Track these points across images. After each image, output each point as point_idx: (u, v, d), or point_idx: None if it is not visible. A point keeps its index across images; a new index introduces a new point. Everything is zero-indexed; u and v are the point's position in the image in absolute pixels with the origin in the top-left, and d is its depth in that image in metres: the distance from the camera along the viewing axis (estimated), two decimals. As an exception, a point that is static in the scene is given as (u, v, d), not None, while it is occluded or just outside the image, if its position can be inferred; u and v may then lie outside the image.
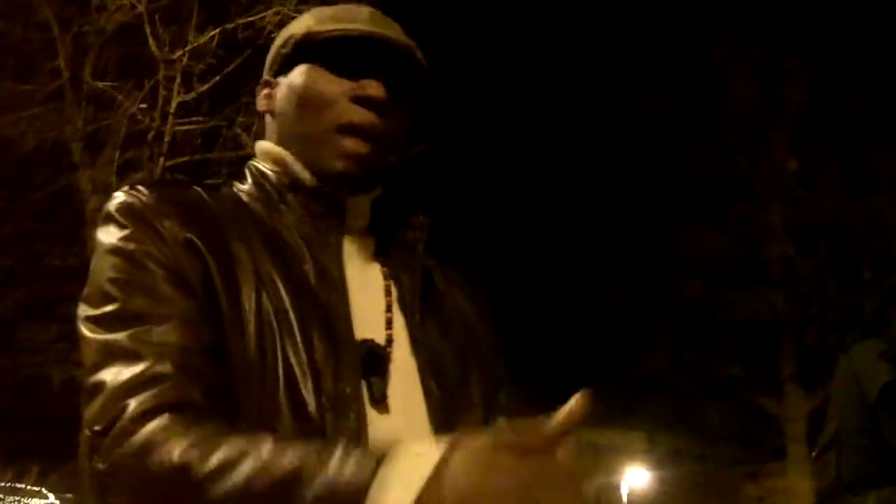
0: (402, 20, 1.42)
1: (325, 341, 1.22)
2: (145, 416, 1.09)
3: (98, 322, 1.19)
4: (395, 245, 1.39)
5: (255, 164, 1.40)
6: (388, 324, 1.31)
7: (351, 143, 1.32)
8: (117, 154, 12.28)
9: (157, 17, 11.90)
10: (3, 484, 22.12)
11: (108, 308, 1.18)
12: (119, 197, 1.28)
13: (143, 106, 12.04)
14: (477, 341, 1.44)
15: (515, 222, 21.22)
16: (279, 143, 1.39)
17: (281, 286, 1.23)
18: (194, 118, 12.21)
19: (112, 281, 1.20)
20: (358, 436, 1.18)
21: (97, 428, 1.12)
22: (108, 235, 1.24)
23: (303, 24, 1.40)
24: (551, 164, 21.10)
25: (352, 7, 1.41)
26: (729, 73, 18.18)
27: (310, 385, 1.19)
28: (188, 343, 1.16)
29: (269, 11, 11.99)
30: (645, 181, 19.25)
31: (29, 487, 22.79)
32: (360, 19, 1.37)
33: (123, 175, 12.30)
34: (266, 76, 1.44)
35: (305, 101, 1.35)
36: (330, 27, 1.35)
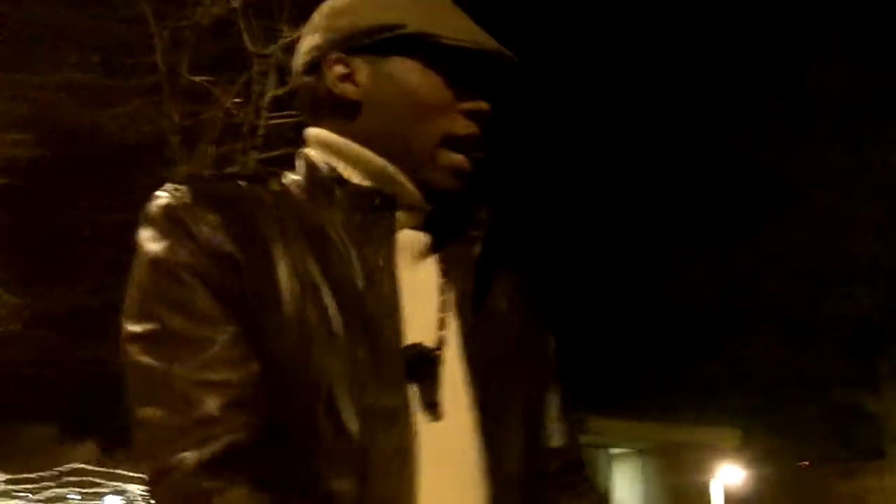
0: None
1: (368, 350, 1.18)
2: (198, 472, 1.09)
3: (140, 341, 1.17)
4: (452, 241, 1.33)
5: (309, 154, 1.33)
6: (441, 324, 1.26)
7: (459, 160, 1.29)
8: (212, 148, 12.56)
9: (250, 11, 12.20)
10: (103, 469, 22.77)
11: (149, 326, 1.16)
12: (161, 198, 1.23)
13: (238, 100, 12.30)
14: (531, 343, 1.41)
15: (611, 217, 21.03)
16: (366, 139, 1.28)
17: (324, 291, 1.19)
18: (287, 112, 12.43)
19: (153, 296, 1.18)
20: (403, 451, 1.16)
21: (150, 472, 1.13)
22: (149, 241, 1.21)
23: (411, 14, 1.29)
24: (647, 159, 20.87)
25: (452, 4, 1.35)
26: (818, 63, 17.84)
27: (350, 400, 1.15)
28: (232, 372, 1.14)
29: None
30: (742, 176, 19.01)
31: (128, 473, 23.39)
32: (470, 25, 1.31)
33: (218, 168, 12.62)
34: (336, 52, 1.30)
35: (417, 103, 1.27)
36: (458, 36, 1.27)
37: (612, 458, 30.94)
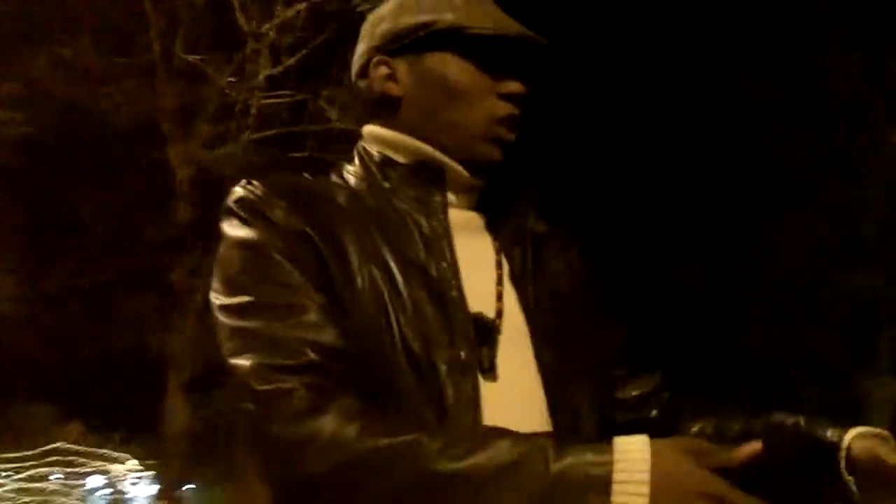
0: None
1: (437, 313, 1.29)
2: (320, 395, 1.19)
3: (235, 311, 1.27)
4: (504, 217, 1.44)
5: (364, 146, 1.45)
6: (499, 297, 1.36)
7: (505, 133, 1.40)
8: (206, 128, 12.55)
9: (245, -10, 12.14)
10: (86, 449, 22.74)
11: (244, 298, 1.27)
12: (237, 192, 1.35)
13: (232, 79, 12.30)
14: (591, 307, 1.49)
15: (612, 204, 21.00)
16: (413, 130, 1.41)
17: (392, 262, 1.30)
18: (281, 92, 12.44)
19: (243, 272, 1.29)
20: (476, 402, 1.27)
21: (255, 398, 1.21)
22: (233, 229, 1.33)
23: (442, 11, 1.41)
24: (646, 145, 20.84)
25: (485, 2, 1.46)
26: (829, 47, 17.83)
27: (428, 355, 1.26)
28: (324, 334, 1.24)
29: (358, -15, 12.11)
30: (742, 159, 19.00)
31: (112, 452, 23.36)
32: (499, 16, 1.43)
33: (211, 148, 12.62)
34: (379, 55, 1.42)
35: (458, 93, 1.39)
36: (485, 25, 1.39)
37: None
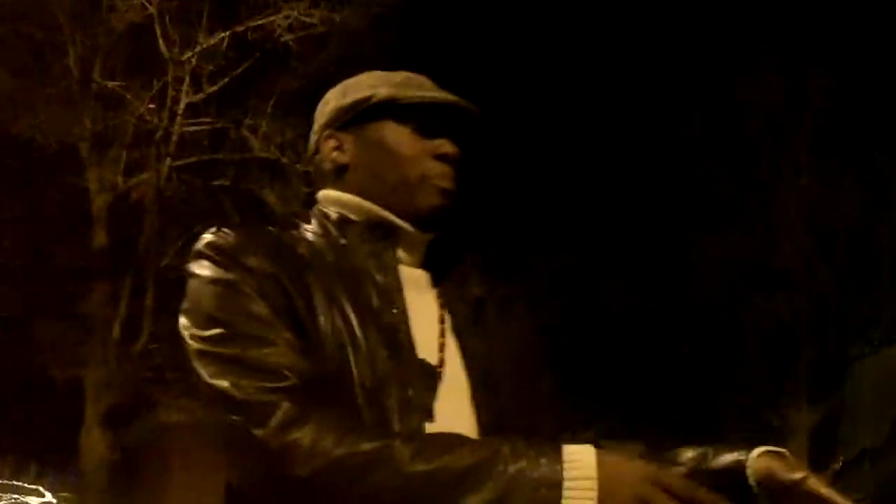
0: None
1: (389, 356, 1.40)
2: (302, 409, 1.27)
3: (212, 341, 1.35)
4: (447, 277, 1.58)
5: (321, 208, 1.57)
6: (441, 347, 1.48)
7: (442, 183, 1.52)
8: (124, 154, 12.35)
9: (167, 17, 12.02)
10: (0, 481, 22.13)
11: (218, 330, 1.35)
12: (208, 238, 1.43)
13: (152, 106, 12.17)
14: (521, 362, 1.64)
15: (535, 225, 21.07)
16: (361, 192, 1.54)
17: (349, 308, 1.41)
18: (202, 119, 12.32)
19: (218, 308, 1.37)
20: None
21: (243, 433, 1.28)
22: (204, 269, 1.41)
23: (378, 87, 1.56)
24: (570, 167, 20.98)
25: (418, 76, 1.61)
26: (750, 78, 18.18)
27: (380, 394, 1.38)
28: (299, 362, 1.33)
29: (279, 15, 12.12)
30: (664, 184, 19.22)
31: (26, 485, 22.79)
32: (431, 87, 1.58)
33: (130, 174, 12.39)
34: (328, 130, 1.57)
35: (395, 156, 1.53)
36: (415, 94, 1.55)
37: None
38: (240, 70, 12.10)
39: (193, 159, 12.47)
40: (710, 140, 18.34)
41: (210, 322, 1.37)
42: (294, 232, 1.53)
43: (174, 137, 12.30)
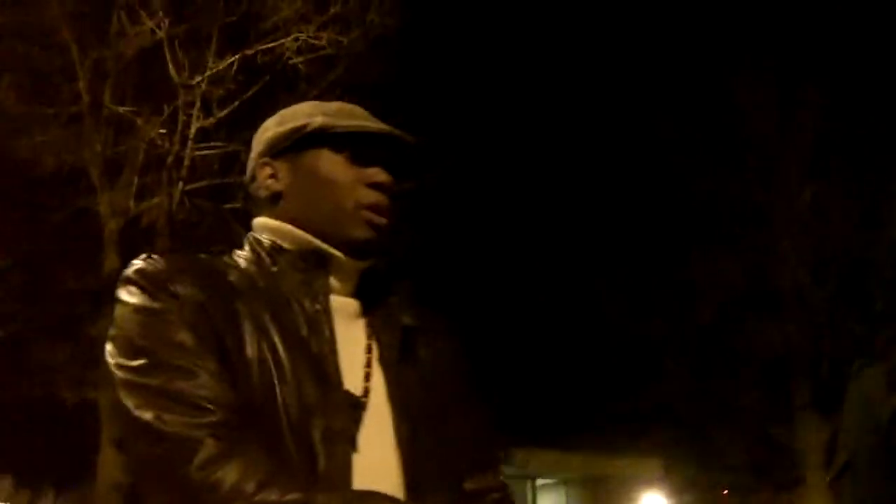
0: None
1: (315, 386, 1.40)
2: (225, 446, 1.28)
3: (136, 371, 1.35)
4: (377, 307, 1.56)
5: (254, 235, 1.57)
6: (367, 377, 1.48)
7: (373, 216, 1.52)
8: (136, 178, 12.31)
9: (176, 42, 11.95)
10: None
11: (143, 361, 1.35)
12: (137, 265, 1.45)
13: (163, 131, 12.08)
14: (450, 392, 1.60)
15: (527, 248, 21.12)
16: (294, 220, 1.53)
17: (277, 337, 1.41)
18: (213, 143, 12.23)
19: (143, 336, 1.37)
20: (345, 469, 1.38)
21: (165, 467, 1.29)
22: (132, 296, 1.41)
23: (314, 116, 1.56)
24: (562, 189, 21.02)
25: (353, 106, 1.62)
26: (745, 101, 18.12)
27: (305, 423, 1.37)
28: (222, 395, 1.33)
29: (289, 38, 12.06)
30: (659, 208, 19.17)
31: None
32: (365, 116, 1.59)
33: (141, 199, 12.36)
34: (264, 158, 1.58)
35: (328, 183, 1.53)
36: (349, 122, 1.55)
37: (536, 488, 30.96)
38: (249, 93, 12.05)
39: (204, 183, 12.32)
40: (702, 165, 18.26)
41: (135, 351, 1.36)
42: (227, 258, 1.53)
43: (185, 162, 12.17)
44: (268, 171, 1.58)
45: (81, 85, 12.18)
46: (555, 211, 21.32)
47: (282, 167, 1.57)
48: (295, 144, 1.56)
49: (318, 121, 1.56)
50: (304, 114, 1.59)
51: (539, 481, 30.58)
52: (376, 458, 1.43)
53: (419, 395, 1.54)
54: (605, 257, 19.96)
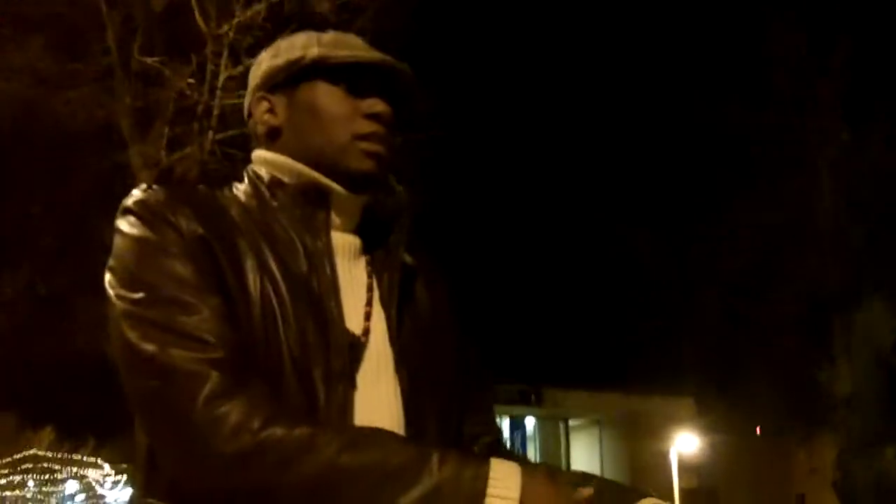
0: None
1: (316, 325, 1.38)
2: (224, 396, 1.23)
3: (137, 303, 1.31)
4: (379, 245, 1.54)
5: (253, 168, 1.54)
6: (367, 317, 1.46)
7: (371, 146, 1.48)
8: (166, 130, 12.27)
9: (203, -9, 11.85)
10: (60, 455, 22.49)
11: (142, 294, 1.31)
12: (136, 195, 1.40)
13: (192, 81, 12.01)
14: (446, 334, 1.60)
15: (567, 190, 21.06)
16: (293, 153, 1.50)
17: (278, 274, 1.38)
18: (242, 92, 12.13)
19: (144, 268, 1.33)
20: (345, 409, 1.36)
21: (169, 402, 1.26)
22: (131, 227, 1.37)
23: (309, 47, 1.52)
24: (604, 134, 20.91)
25: (348, 35, 1.57)
26: (779, 43, 17.82)
27: (306, 363, 1.35)
28: (224, 335, 1.30)
29: (316, -17, 11.91)
30: (695, 150, 18.98)
31: (85, 459, 23.19)
32: (362, 46, 1.53)
33: (173, 150, 12.33)
34: (260, 92, 1.55)
35: (325, 116, 1.49)
36: (345, 53, 1.50)
37: (569, 428, 31.09)
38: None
39: (235, 132, 12.28)
40: (741, 105, 18.02)
41: (135, 283, 1.33)
42: (227, 191, 1.50)
43: (215, 111, 12.13)
44: (265, 105, 1.54)
45: (110, 39, 12.11)
46: (594, 154, 21.22)
47: (279, 101, 1.53)
48: (291, 77, 1.52)
49: (314, 52, 1.51)
50: (299, 45, 1.54)
51: (572, 422, 30.73)
52: (376, 398, 1.42)
53: (418, 336, 1.52)
54: (642, 199, 19.85)
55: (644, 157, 20.03)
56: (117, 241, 1.39)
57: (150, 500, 1.36)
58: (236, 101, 12.15)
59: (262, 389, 1.27)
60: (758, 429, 24.92)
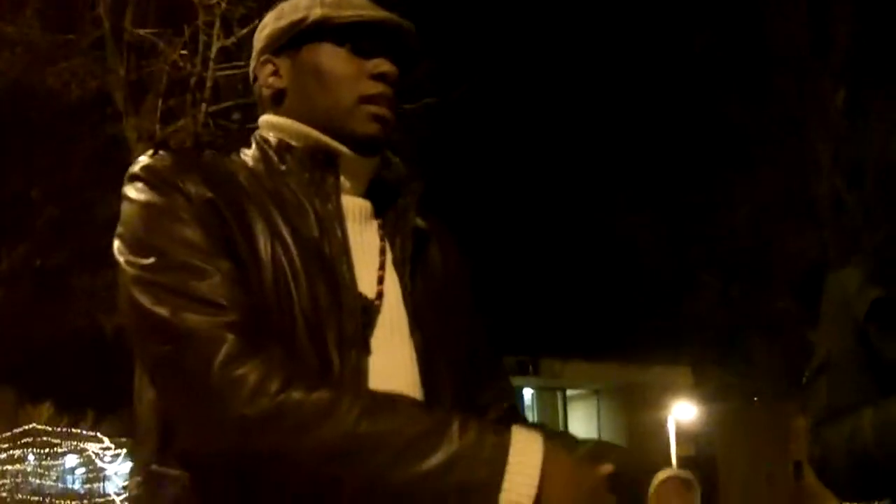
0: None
1: (328, 289, 1.36)
2: (241, 359, 1.22)
3: (148, 269, 1.29)
4: (389, 209, 1.52)
5: (260, 133, 1.52)
6: (380, 280, 1.45)
7: (377, 109, 1.47)
8: (160, 102, 12.21)
9: (195, -38, 11.74)
10: (59, 429, 22.55)
11: (153, 259, 1.29)
12: (143, 161, 1.39)
13: (184, 52, 11.92)
14: (458, 299, 1.59)
15: (563, 161, 20.98)
16: (299, 116, 1.49)
17: (289, 238, 1.37)
18: (235, 63, 12.07)
19: (153, 233, 1.31)
20: (359, 373, 1.35)
21: (185, 365, 1.23)
22: (139, 193, 1.35)
23: (312, 8, 1.50)
24: (598, 103, 20.78)
25: None
26: (775, 9, 17.72)
27: (319, 326, 1.34)
28: (237, 299, 1.28)
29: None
30: (691, 118, 18.89)
31: (85, 433, 23.24)
32: (366, 5, 1.51)
33: (167, 122, 12.26)
34: (265, 55, 1.53)
35: (330, 78, 1.47)
36: (349, 13, 1.48)
37: (567, 398, 31.19)
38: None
39: (229, 104, 12.27)
40: (737, 75, 17.94)
41: (144, 249, 1.31)
42: (234, 157, 1.48)
43: (208, 83, 12.07)
44: (269, 68, 1.52)
45: (102, 10, 12.01)
46: (590, 126, 21.12)
47: (283, 64, 1.52)
48: (294, 39, 1.50)
49: (317, 13, 1.49)
50: (302, 6, 1.52)
51: (570, 392, 30.84)
52: (391, 362, 1.41)
53: (432, 299, 1.51)
54: (636, 169, 19.80)
55: (639, 127, 19.94)
56: (125, 207, 1.37)
57: (164, 469, 1.33)
58: (230, 72, 12.10)
59: (278, 352, 1.25)
60: (755, 399, 25.00)
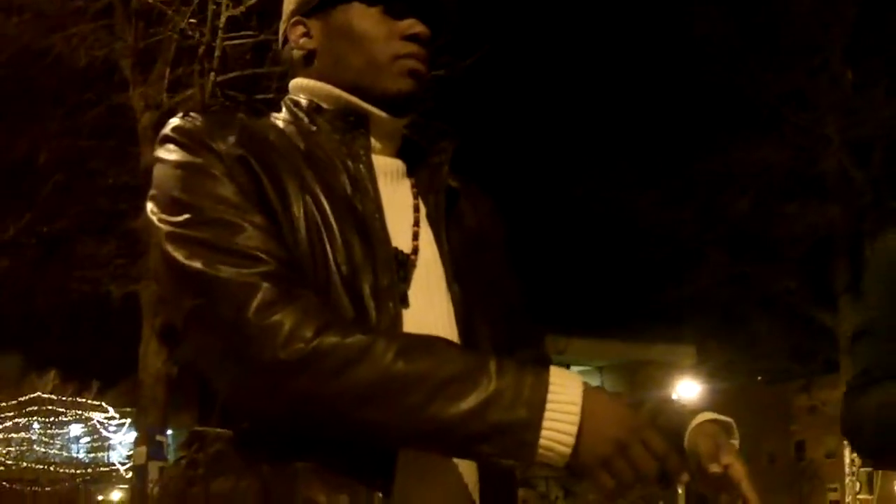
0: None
1: (362, 244, 1.37)
2: (276, 305, 1.23)
3: (183, 225, 1.31)
4: (422, 167, 1.53)
5: (291, 97, 1.53)
6: (415, 236, 1.46)
7: (413, 63, 1.47)
8: (168, 70, 12.17)
9: (205, -71, 11.67)
10: (65, 398, 22.65)
11: (187, 216, 1.31)
12: (174, 122, 1.40)
13: (193, 21, 11.87)
14: (494, 258, 1.60)
15: (568, 139, 20.92)
16: (330, 78, 1.49)
17: (322, 195, 1.38)
18: (244, 32, 12.02)
19: (187, 191, 1.33)
20: (396, 324, 1.35)
21: (220, 313, 1.25)
22: (171, 153, 1.37)
23: None
24: (604, 78, 20.73)
25: None
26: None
27: (354, 280, 1.35)
28: (271, 250, 1.30)
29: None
30: (699, 94, 18.85)
31: (90, 402, 23.36)
32: None
33: (174, 91, 12.23)
34: (296, 17, 1.52)
35: (362, 38, 1.47)
36: None
37: (571, 375, 31.28)
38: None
39: (237, 74, 12.22)
40: (745, 49, 17.87)
41: (178, 206, 1.33)
42: (265, 119, 1.48)
43: (216, 52, 12.03)
44: (300, 29, 1.52)
45: (110, -24, 11.94)
46: (593, 100, 21.06)
47: (314, 25, 1.51)
48: (326, 1, 1.50)
49: None
50: None
51: (574, 369, 30.87)
52: (430, 315, 1.42)
53: (468, 254, 1.52)
54: (642, 145, 19.76)
55: (644, 104, 19.87)
56: (157, 169, 1.38)
57: (206, 429, 1.37)
58: (238, 41, 12.05)
59: (313, 300, 1.27)
60: (759, 377, 25.04)
